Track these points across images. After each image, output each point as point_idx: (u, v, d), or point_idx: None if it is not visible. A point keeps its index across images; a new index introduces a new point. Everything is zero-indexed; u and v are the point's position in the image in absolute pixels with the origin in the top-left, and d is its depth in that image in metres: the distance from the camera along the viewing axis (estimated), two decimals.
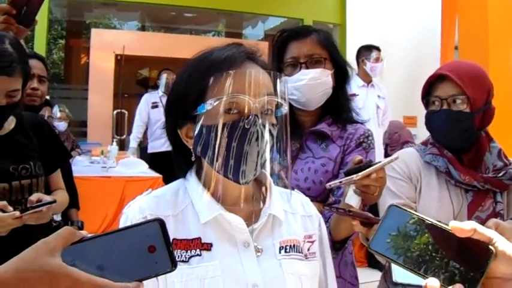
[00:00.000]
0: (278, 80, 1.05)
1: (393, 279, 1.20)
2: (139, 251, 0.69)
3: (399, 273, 1.19)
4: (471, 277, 0.67)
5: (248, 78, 1.02)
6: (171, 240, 0.71)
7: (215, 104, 1.01)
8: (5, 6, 1.83)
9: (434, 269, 0.69)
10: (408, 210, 0.73)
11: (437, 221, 0.71)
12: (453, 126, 1.64)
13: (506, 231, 1.28)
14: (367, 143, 1.74)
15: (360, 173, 1.27)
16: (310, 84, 1.70)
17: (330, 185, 1.33)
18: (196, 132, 1.05)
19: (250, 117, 0.99)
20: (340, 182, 1.31)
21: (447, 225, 0.69)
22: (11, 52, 1.70)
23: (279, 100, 1.04)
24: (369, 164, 1.30)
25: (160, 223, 0.71)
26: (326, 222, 1.46)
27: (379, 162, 1.31)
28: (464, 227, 0.68)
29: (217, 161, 1.00)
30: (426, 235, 0.70)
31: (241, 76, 1.01)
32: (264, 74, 1.05)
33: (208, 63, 1.06)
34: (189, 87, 1.07)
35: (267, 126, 1.01)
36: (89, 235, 0.70)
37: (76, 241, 0.69)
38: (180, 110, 1.09)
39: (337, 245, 1.59)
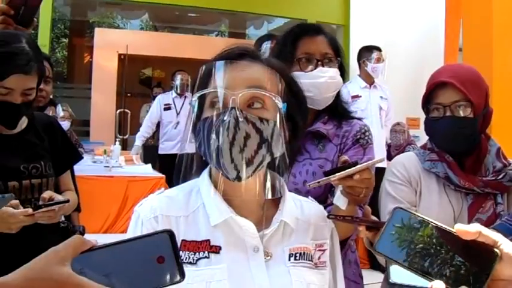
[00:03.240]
0: (275, 75, 1.05)
1: (390, 279, 1.19)
2: (149, 262, 0.70)
3: (395, 274, 1.17)
4: (476, 279, 0.67)
5: (231, 71, 1.02)
6: (180, 252, 0.71)
7: (197, 98, 1.03)
8: (3, 6, 1.84)
9: (439, 271, 0.69)
10: (413, 212, 0.73)
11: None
12: (458, 132, 1.64)
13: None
14: (365, 139, 1.71)
15: (336, 174, 1.23)
16: (328, 82, 1.69)
17: (309, 185, 1.29)
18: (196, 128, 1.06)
19: (227, 110, 0.99)
20: (319, 182, 1.27)
21: (452, 228, 0.70)
22: (28, 51, 1.72)
23: (267, 93, 1.02)
24: (354, 164, 1.26)
25: (170, 234, 0.71)
26: None
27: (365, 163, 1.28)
28: (469, 229, 0.68)
29: (207, 157, 1.02)
30: (431, 237, 0.71)
31: (224, 68, 1.02)
32: (253, 67, 1.05)
33: (208, 63, 1.07)
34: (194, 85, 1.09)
35: (251, 118, 0.99)
36: (99, 244, 0.70)
37: (86, 250, 0.69)
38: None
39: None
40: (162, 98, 6.62)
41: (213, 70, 1.02)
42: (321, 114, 1.75)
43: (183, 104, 6.39)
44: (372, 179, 1.29)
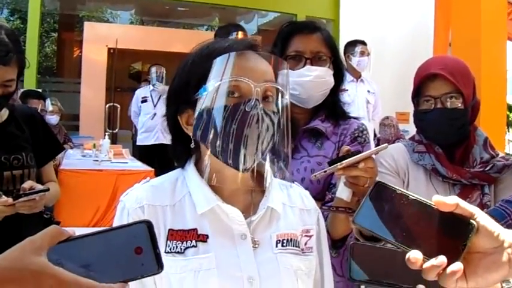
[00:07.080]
0: (281, 69, 1.05)
1: (350, 276, 1.16)
2: (126, 252, 0.69)
3: (356, 271, 1.14)
4: (453, 250, 0.69)
5: (250, 62, 1.03)
6: (158, 242, 0.71)
7: (217, 85, 1.00)
8: None
9: (416, 242, 0.71)
10: (393, 186, 0.75)
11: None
12: (450, 124, 1.64)
13: None
14: (362, 137, 1.71)
15: (344, 161, 1.23)
16: (314, 81, 1.67)
17: (315, 175, 1.28)
18: (196, 115, 1.04)
19: (252, 100, 0.99)
20: (325, 171, 1.26)
21: (431, 201, 0.72)
22: (7, 42, 1.71)
23: (281, 88, 1.04)
24: (356, 153, 1.26)
25: (148, 225, 0.71)
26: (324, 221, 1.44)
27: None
28: (447, 201, 0.71)
29: (217, 145, 0.99)
30: (410, 210, 0.73)
31: (243, 59, 1.03)
32: (265, 62, 1.06)
33: (210, 50, 1.07)
34: (191, 72, 1.07)
35: (268, 112, 1.00)
36: (76, 234, 0.70)
37: (63, 240, 0.69)
38: (182, 96, 1.09)
39: (338, 244, 1.58)
40: (139, 92, 7.04)
41: (231, 59, 1.01)
42: (319, 113, 1.74)
43: (160, 96, 6.69)
44: (375, 168, 1.29)
